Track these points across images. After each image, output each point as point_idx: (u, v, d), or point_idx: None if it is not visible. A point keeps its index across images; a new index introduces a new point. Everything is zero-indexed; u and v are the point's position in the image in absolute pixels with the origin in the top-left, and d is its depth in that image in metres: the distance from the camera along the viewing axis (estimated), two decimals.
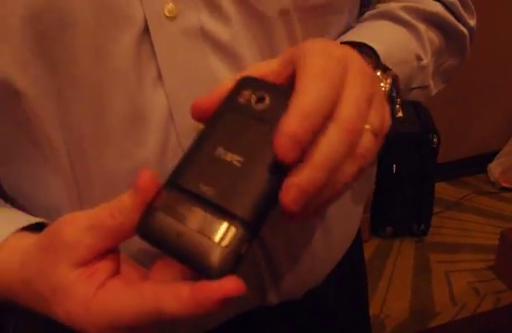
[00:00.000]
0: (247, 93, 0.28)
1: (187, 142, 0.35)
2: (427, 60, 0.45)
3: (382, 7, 0.47)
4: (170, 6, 0.33)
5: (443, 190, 1.98)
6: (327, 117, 0.26)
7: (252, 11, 0.35)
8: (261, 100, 0.28)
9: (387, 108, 0.31)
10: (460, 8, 0.48)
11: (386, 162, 1.67)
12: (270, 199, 0.27)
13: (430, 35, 0.46)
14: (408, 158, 1.67)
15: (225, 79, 0.35)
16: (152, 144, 0.37)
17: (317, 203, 0.27)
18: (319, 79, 0.26)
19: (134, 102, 0.36)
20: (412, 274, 1.65)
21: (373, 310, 1.50)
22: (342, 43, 0.40)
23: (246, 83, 0.29)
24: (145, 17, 0.33)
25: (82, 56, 0.33)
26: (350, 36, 0.42)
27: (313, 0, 0.37)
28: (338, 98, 0.27)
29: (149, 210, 0.27)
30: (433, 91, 0.49)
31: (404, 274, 1.65)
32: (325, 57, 0.28)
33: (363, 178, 0.51)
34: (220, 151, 0.27)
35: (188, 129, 0.37)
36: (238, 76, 0.29)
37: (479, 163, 2.08)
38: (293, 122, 0.24)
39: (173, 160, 0.37)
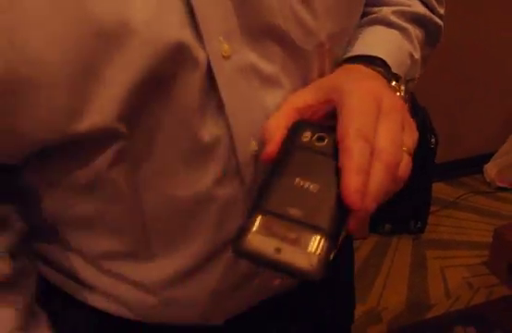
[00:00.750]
0: (308, 134, 0.37)
1: (246, 169, 0.42)
2: (417, 56, 0.52)
3: (375, 14, 0.52)
4: (226, 46, 0.37)
5: (440, 189, 2.04)
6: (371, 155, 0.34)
7: (294, 47, 0.41)
8: (321, 139, 0.37)
9: (414, 125, 0.38)
10: (433, 1, 0.54)
11: None
12: (343, 217, 0.34)
13: (416, 33, 0.52)
14: None
15: (272, 109, 0.41)
16: (213, 173, 0.42)
17: None
18: (359, 130, 0.34)
19: (197, 137, 0.39)
20: (409, 270, 1.71)
21: (371, 303, 1.57)
22: (356, 56, 0.46)
23: (301, 125, 0.38)
24: (208, 58, 0.37)
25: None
26: (359, 48, 0.47)
27: (337, 30, 0.43)
28: (376, 134, 0.35)
29: (243, 233, 0.33)
30: (417, 79, 0.55)
31: (401, 269, 1.71)
32: (363, 102, 0.36)
33: None
34: (298, 180, 0.35)
35: (248, 157, 0.42)
36: (290, 119, 0.38)
37: (475, 163, 2.14)
38: (353, 180, 0.33)
39: (231, 186, 0.43)
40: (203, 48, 0.36)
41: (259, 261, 0.33)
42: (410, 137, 0.37)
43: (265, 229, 0.33)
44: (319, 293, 0.62)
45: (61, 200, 0.43)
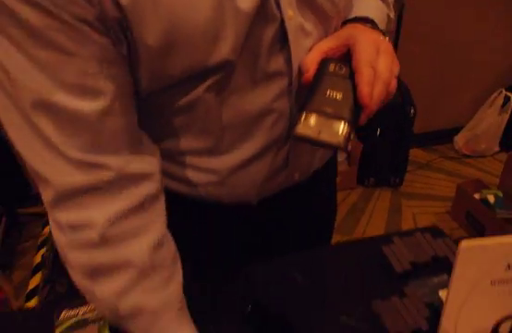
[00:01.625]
0: (332, 66, 0.54)
1: (294, 90, 0.58)
2: (392, 15, 0.71)
3: None
4: (290, 12, 0.53)
5: (416, 154, 2.42)
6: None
7: (323, 14, 0.58)
8: (341, 68, 0.54)
9: (397, 61, 0.57)
10: None
11: (372, 126, 2.10)
12: (358, 113, 0.52)
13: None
14: (390, 124, 2.09)
15: (308, 53, 0.56)
16: (273, 93, 0.57)
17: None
18: (367, 61, 0.52)
19: (265, 68, 0.54)
20: (387, 214, 2.10)
21: (356, 235, 1.96)
22: (355, 17, 0.62)
23: (327, 61, 0.55)
24: (281, 17, 0.52)
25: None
26: (356, 12, 0.63)
27: (348, 2, 0.63)
28: (377, 64, 0.53)
29: (297, 124, 0.50)
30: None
31: (381, 213, 2.10)
32: (369, 45, 0.54)
33: None
34: (329, 92, 0.52)
35: (296, 82, 0.58)
36: (320, 57, 0.55)
37: (447, 134, 2.49)
38: (365, 89, 0.51)
39: (283, 102, 0.58)
40: (280, 11, 0.52)
41: (308, 141, 0.50)
42: (396, 67, 0.57)
43: (310, 121, 0.50)
44: (316, 188, 0.82)
45: (167, 116, 0.57)
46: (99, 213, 0.49)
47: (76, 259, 0.52)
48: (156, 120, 0.58)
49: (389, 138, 2.12)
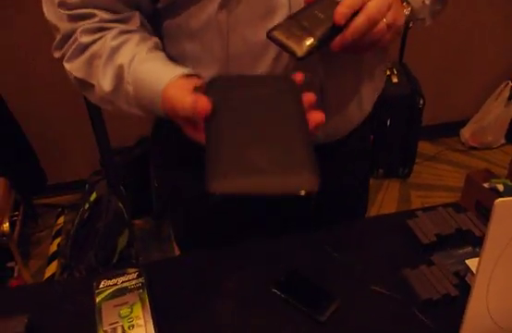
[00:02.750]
0: None
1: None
2: (428, 2, 0.68)
3: None
4: None
5: (424, 146, 2.44)
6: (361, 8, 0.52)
7: None
8: None
9: (401, 14, 0.56)
10: None
11: (382, 117, 2.13)
12: (331, 35, 0.53)
13: None
14: (400, 115, 2.12)
15: None
16: (278, 18, 0.59)
17: (359, 46, 0.55)
18: None
19: (270, 2, 0.58)
20: (397, 204, 2.13)
21: None
22: None
23: None
24: None
25: None
26: None
27: None
28: (368, 1, 0.52)
29: (278, 24, 0.54)
30: (427, 23, 0.73)
31: (390, 203, 2.13)
32: None
33: (381, 55, 0.75)
34: (317, 11, 0.53)
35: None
36: None
37: (453, 127, 2.51)
38: (341, 9, 0.52)
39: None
40: None
41: (276, 42, 0.52)
42: (393, 16, 0.54)
43: (286, 27, 0.52)
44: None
45: (181, 41, 0.65)
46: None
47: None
48: (171, 47, 0.66)
49: (399, 129, 2.15)
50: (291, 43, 0.52)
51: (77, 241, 1.69)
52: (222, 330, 0.68)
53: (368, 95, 0.75)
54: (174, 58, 0.65)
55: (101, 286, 0.73)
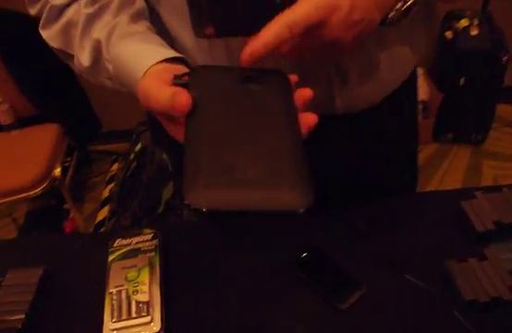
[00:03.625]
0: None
1: None
2: None
3: None
4: None
5: (504, 109, 2.19)
6: None
7: None
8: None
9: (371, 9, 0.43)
10: None
11: (456, 74, 1.91)
12: None
13: None
14: (478, 72, 1.88)
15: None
16: None
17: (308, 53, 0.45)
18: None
19: None
20: (464, 174, 1.95)
21: None
22: None
23: None
24: None
25: None
26: None
27: None
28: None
29: None
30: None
31: (457, 172, 1.96)
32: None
33: (420, 31, 0.65)
34: None
35: None
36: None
37: None
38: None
39: None
40: None
41: None
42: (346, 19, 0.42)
43: None
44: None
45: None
46: None
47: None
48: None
49: (475, 89, 1.93)
50: None
51: (124, 190, 1.70)
52: (232, 304, 0.63)
53: (402, 56, 0.65)
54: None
55: (115, 245, 0.71)
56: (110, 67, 0.51)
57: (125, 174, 1.80)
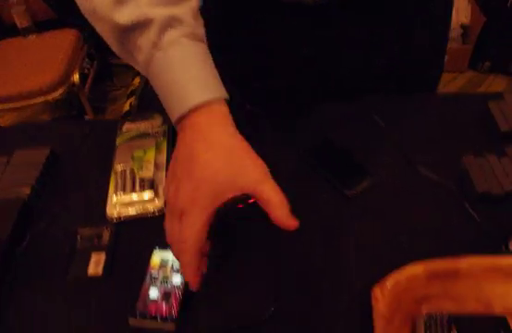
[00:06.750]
0: None
1: None
2: None
3: None
4: None
5: None
6: None
7: None
8: None
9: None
10: None
11: None
12: None
13: None
14: None
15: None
16: None
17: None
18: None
19: None
20: None
21: None
22: None
23: None
24: None
25: None
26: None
27: None
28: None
29: None
30: None
31: None
32: None
33: None
34: None
35: None
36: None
37: None
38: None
39: None
40: None
41: None
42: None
43: None
44: None
45: None
46: None
47: None
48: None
49: None
50: None
51: (142, 103, 1.69)
52: None
53: None
54: None
55: (124, 129, 0.70)
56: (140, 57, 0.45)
57: (144, 87, 1.78)
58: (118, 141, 0.67)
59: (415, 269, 0.48)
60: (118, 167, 0.63)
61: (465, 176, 0.57)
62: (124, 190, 0.60)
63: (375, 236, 0.54)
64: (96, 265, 0.56)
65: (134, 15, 0.42)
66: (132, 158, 0.63)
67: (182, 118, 0.43)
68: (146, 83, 1.99)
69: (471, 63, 1.96)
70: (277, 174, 0.44)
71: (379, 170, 0.60)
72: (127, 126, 0.70)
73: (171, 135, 0.68)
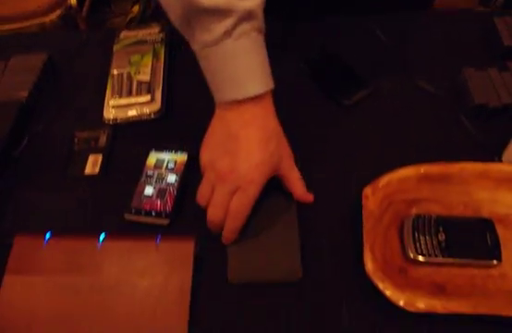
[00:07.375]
0: None
1: None
2: None
3: None
4: None
5: None
6: None
7: None
8: None
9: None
10: None
11: None
12: None
13: None
14: None
15: None
16: None
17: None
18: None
19: None
20: None
21: None
22: None
23: None
24: None
25: None
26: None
27: None
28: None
29: None
30: None
31: None
32: None
33: None
34: None
35: None
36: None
37: None
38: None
39: None
40: None
41: None
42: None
43: None
44: None
45: None
46: None
47: None
48: None
49: None
50: None
51: None
52: None
53: None
54: None
55: (121, 36, 0.69)
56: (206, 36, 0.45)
57: (143, 15, 1.72)
58: (116, 47, 0.66)
59: (407, 171, 0.49)
60: (115, 71, 0.62)
61: (463, 87, 0.57)
62: (121, 93, 0.60)
63: (373, 143, 0.55)
64: (93, 165, 0.57)
65: (221, 1, 0.43)
66: (129, 63, 0.63)
67: (233, 102, 0.47)
68: (145, 11, 1.92)
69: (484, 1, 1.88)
70: (276, 84, 0.47)
71: (378, 82, 0.60)
72: (124, 33, 0.69)
73: (168, 42, 0.67)
